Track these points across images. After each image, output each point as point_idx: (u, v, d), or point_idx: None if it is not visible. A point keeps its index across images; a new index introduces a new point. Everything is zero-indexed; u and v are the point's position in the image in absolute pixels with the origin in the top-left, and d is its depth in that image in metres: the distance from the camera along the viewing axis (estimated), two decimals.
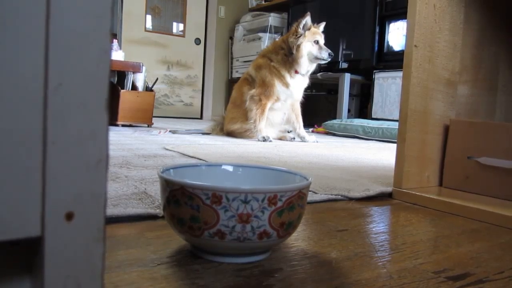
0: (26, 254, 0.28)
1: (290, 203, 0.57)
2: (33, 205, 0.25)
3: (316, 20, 3.00)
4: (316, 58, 2.86)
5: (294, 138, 3.02)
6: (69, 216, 0.26)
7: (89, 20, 0.25)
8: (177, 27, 6.15)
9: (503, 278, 0.60)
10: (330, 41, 3.02)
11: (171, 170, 0.67)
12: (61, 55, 0.24)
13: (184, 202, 0.55)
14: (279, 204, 0.56)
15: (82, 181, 0.26)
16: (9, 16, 0.23)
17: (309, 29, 2.85)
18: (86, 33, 0.25)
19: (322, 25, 2.96)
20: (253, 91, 2.88)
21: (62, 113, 0.25)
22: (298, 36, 2.83)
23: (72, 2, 0.24)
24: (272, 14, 5.63)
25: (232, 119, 3.00)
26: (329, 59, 2.89)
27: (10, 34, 0.23)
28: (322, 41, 2.89)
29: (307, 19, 2.83)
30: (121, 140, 2.28)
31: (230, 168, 0.74)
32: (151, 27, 5.95)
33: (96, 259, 0.26)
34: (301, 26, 2.83)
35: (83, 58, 0.25)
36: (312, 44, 2.84)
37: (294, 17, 5.01)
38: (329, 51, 2.87)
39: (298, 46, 2.81)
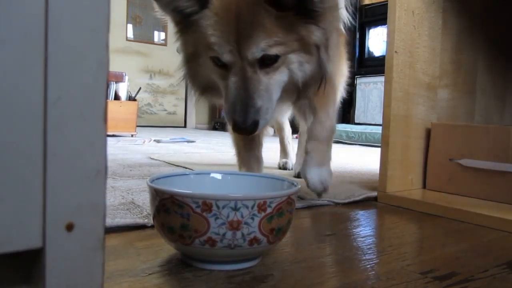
0: (25, 265, 0.28)
1: (279, 209, 0.58)
2: (34, 217, 0.25)
3: None
4: None
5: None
6: (70, 227, 0.26)
7: (86, 34, 0.25)
8: (158, 36, 6.14)
9: (488, 276, 0.62)
10: None
11: (160, 179, 0.67)
12: (60, 69, 0.25)
13: (174, 211, 0.56)
14: (269, 210, 0.56)
15: (82, 191, 0.26)
16: (9, 33, 0.23)
17: None
18: (83, 46, 0.25)
19: None
20: None
21: (62, 126, 0.25)
22: None
23: (69, 17, 0.25)
24: None
25: None
26: None
27: (10, 50, 0.23)
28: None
29: None
30: None
31: (219, 176, 0.74)
32: (132, 36, 5.93)
33: (96, 268, 0.27)
34: None
35: (81, 72, 0.26)
36: None
37: None
38: None
39: None
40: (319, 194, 1.05)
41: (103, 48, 0.26)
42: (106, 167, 0.27)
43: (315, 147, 1.05)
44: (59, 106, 0.25)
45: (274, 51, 0.81)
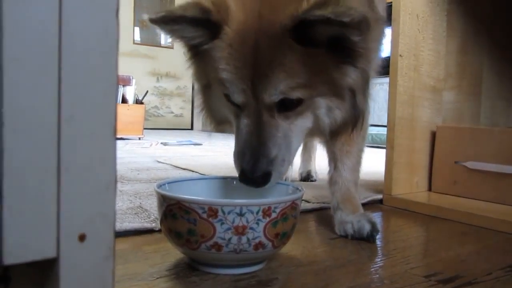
0: (40, 274, 0.30)
1: (284, 214, 0.59)
2: (49, 228, 0.27)
3: None
4: None
5: None
6: (82, 237, 0.28)
7: (97, 56, 0.27)
8: (165, 38, 6.17)
9: (491, 279, 0.63)
10: None
11: (167, 185, 0.69)
12: (72, 89, 0.27)
13: (181, 216, 0.57)
14: (273, 215, 0.57)
15: (93, 204, 0.28)
16: (24, 55, 0.25)
17: None
18: (94, 68, 0.27)
19: None
20: None
21: (74, 142, 0.27)
22: None
23: (81, 40, 0.27)
24: None
25: None
26: None
27: (25, 71, 0.25)
28: None
29: None
30: None
31: (224, 181, 0.76)
32: (139, 40, 5.97)
33: (107, 275, 0.28)
34: None
35: (92, 91, 0.28)
36: None
37: None
38: None
39: None
40: (370, 237, 0.79)
41: (113, 69, 0.28)
42: (115, 180, 0.29)
43: (345, 199, 0.88)
44: (72, 124, 0.27)
45: (296, 94, 0.67)
